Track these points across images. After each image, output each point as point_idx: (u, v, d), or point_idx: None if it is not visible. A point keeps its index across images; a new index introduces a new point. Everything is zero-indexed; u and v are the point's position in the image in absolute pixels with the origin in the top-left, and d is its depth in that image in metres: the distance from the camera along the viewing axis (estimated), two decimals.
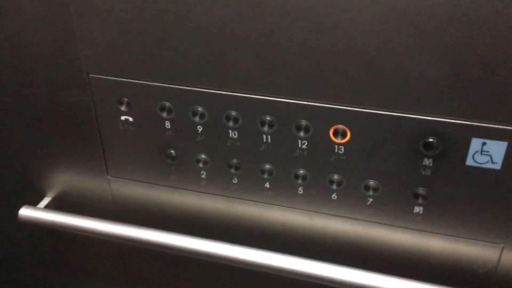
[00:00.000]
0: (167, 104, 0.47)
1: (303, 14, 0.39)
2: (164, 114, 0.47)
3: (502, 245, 0.45)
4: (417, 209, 0.45)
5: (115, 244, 0.60)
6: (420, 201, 0.44)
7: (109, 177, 0.54)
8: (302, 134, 0.44)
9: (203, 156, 0.49)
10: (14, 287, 0.74)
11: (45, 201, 0.59)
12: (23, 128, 0.54)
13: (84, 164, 0.55)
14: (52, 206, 0.59)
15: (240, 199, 0.51)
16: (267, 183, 0.49)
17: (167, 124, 0.48)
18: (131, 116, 0.49)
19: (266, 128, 0.45)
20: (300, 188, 0.48)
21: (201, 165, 0.50)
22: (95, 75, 0.47)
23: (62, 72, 0.48)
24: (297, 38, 0.40)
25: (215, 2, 0.40)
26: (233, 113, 0.45)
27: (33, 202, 0.58)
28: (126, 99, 0.48)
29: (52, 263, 0.68)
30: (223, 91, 0.44)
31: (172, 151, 0.50)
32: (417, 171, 0.43)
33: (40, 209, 0.56)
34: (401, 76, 0.39)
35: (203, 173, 0.50)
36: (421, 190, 0.44)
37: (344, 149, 0.44)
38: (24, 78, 0.50)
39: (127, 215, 0.57)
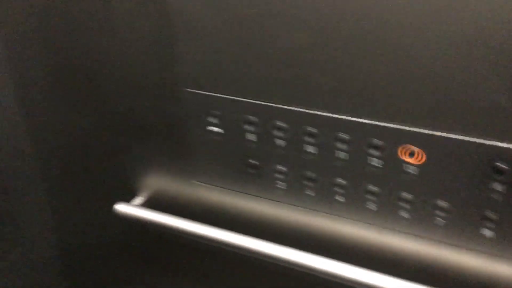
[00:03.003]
0: (251, 118, 0.51)
1: (380, 43, 0.42)
2: (248, 127, 0.52)
3: None
4: (487, 232, 0.46)
5: (201, 245, 0.64)
6: (490, 224, 0.45)
7: (194, 181, 0.60)
8: (375, 152, 0.47)
9: (283, 168, 0.53)
10: (99, 278, 0.82)
11: (137, 200, 0.65)
12: (125, 133, 0.61)
13: (173, 169, 0.61)
14: (146, 205, 0.65)
15: (315, 210, 0.54)
16: (340, 196, 0.52)
17: (251, 137, 0.53)
18: (218, 127, 0.54)
19: (340, 145, 0.48)
20: (369, 203, 0.51)
21: (279, 175, 0.54)
22: (190, 90, 0.53)
23: (162, 87, 0.55)
24: (375, 67, 0.43)
25: (300, 29, 0.44)
26: (311, 129, 0.49)
27: (126, 200, 0.64)
28: (215, 112, 0.53)
29: (141, 259, 0.75)
30: (302, 108, 0.48)
31: (253, 161, 0.54)
32: (488, 195, 0.44)
33: (135, 205, 0.63)
34: (473, 103, 0.41)
35: (280, 184, 0.54)
36: (491, 214, 0.45)
37: (417, 170, 0.46)
38: (131, 91, 0.57)
39: (210, 217, 0.62)
